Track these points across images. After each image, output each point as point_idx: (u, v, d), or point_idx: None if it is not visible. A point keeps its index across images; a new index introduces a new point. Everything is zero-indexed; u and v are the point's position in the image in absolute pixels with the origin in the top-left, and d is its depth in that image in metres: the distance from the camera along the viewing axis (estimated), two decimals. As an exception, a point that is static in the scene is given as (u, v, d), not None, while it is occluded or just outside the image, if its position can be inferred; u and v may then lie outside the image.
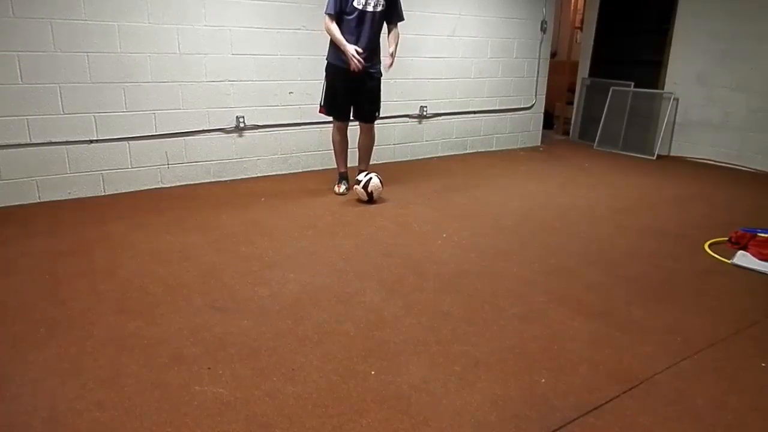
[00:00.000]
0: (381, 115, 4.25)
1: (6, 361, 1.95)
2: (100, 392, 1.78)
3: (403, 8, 3.96)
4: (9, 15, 3.46)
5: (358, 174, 4.06)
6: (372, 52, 3.87)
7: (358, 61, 3.72)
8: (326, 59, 3.95)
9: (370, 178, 3.95)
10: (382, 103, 4.12)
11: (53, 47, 3.63)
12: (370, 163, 4.31)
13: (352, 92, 3.95)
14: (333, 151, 4.26)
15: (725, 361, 2.07)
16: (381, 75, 4.01)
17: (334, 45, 3.83)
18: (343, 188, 4.19)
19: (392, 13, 3.90)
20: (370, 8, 3.76)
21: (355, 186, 3.97)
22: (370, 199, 3.94)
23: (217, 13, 4.16)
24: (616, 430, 1.68)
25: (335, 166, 4.34)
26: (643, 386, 1.90)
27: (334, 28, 3.77)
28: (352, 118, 4.08)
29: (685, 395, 1.86)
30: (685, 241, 3.37)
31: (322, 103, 4.05)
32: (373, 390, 1.83)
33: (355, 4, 3.73)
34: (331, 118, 4.14)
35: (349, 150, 4.25)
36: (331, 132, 4.17)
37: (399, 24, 3.97)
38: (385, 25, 3.93)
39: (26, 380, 1.84)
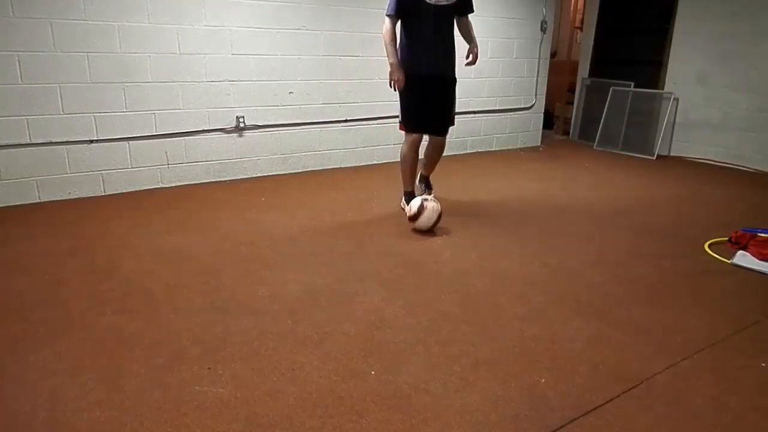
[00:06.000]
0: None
1: (6, 361, 1.95)
2: (100, 392, 1.78)
3: None
4: (9, 15, 3.46)
5: (420, 181, 3.91)
6: (449, 53, 3.48)
7: (398, 80, 3.37)
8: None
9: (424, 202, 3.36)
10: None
11: (53, 47, 3.63)
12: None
13: (427, 100, 3.50)
14: (401, 171, 3.69)
15: (725, 361, 2.07)
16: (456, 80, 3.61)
17: (405, 51, 3.40)
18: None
19: (466, 5, 3.47)
20: (443, 1, 3.30)
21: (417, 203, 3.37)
22: (418, 215, 3.33)
23: (217, 13, 4.16)
24: (616, 430, 1.68)
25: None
26: (643, 386, 1.90)
27: (391, 35, 3.34)
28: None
29: (685, 395, 1.86)
30: (685, 241, 3.37)
31: (401, 120, 3.59)
32: (373, 390, 1.83)
33: None
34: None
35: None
36: (401, 149, 3.61)
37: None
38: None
39: (26, 380, 1.84)
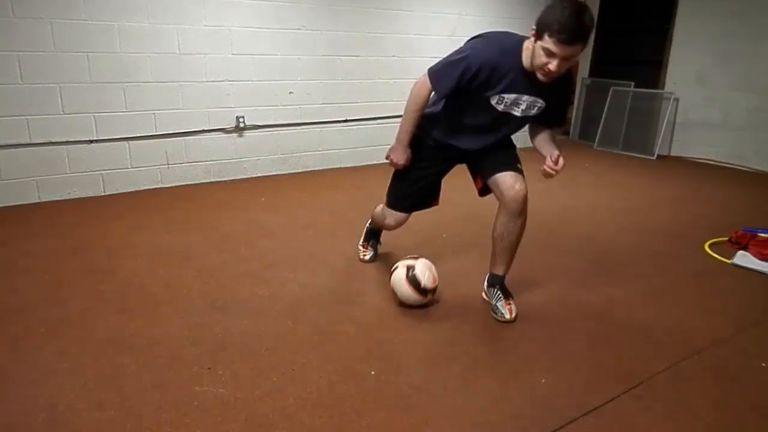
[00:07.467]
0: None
1: (6, 361, 1.95)
2: (100, 392, 1.78)
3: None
4: (9, 15, 3.46)
5: (489, 283, 2.49)
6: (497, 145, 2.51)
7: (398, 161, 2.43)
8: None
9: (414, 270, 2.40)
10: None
11: (53, 47, 3.63)
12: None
13: (444, 171, 2.61)
14: (371, 221, 2.92)
15: (725, 361, 2.07)
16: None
17: (433, 123, 2.42)
18: (370, 254, 2.95)
19: (552, 116, 2.46)
20: (517, 112, 2.30)
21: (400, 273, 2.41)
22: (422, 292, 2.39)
23: (217, 13, 4.16)
24: (616, 430, 1.68)
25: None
26: (643, 386, 1.89)
27: (420, 105, 2.34)
28: (479, 187, 2.63)
29: (685, 395, 1.86)
30: (685, 241, 3.37)
31: (387, 191, 2.63)
32: (373, 390, 1.83)
33: (493, 102, 2.22)
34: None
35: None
36: (377, 210, 2.77)
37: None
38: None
39: (26, 380, 1.84)
